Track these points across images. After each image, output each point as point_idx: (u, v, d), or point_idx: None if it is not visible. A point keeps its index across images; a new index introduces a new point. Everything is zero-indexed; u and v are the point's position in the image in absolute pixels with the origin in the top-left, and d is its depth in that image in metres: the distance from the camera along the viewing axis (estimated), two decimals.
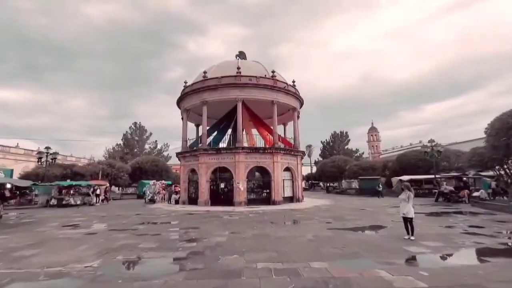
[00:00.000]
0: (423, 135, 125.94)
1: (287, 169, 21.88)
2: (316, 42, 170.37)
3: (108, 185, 27.94)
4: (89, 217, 14.32)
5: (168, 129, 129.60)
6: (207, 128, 24.21)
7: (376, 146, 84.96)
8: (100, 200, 24.11)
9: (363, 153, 63.71)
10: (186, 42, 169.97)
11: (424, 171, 31.20)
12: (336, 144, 63.16)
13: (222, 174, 20.61)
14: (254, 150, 20.01)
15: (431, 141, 26.36)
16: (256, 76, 20.60)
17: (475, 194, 18.92)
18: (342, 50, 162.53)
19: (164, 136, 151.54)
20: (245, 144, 22.79)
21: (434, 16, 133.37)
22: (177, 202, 22.42)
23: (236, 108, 21.33)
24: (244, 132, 23.95)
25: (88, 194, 23.61)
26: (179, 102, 23.58)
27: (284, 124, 27.48)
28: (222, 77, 20.61)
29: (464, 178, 24.10)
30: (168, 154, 57.35)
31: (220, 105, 22.53)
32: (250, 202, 19.55)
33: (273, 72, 21.48)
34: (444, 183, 28.28)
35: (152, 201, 24.15)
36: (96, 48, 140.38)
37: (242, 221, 12.06)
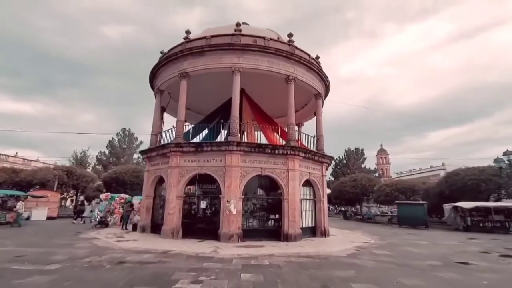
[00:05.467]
0: (428, 161, 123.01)
1: (308, 183, 14.10)
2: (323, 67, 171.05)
3: (48, 196, 20.20)
4: None
5: None
6: (192, 126, 16.99)
7: (386, 169, 77.98)
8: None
9: (383, 173, 55.53)
10: None
11: (485, 196, 23.12)
12: (350, 162, 55.14)
13: (204, 186, 12.90)
14: (257, 148, 12.35)
15: (508, 153, 18.52)
16: (263, 37, 13.42)
17: None
18: (348, 75, 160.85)
19: None
20: (244, 139, 15.25)
21: (439, 45, 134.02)
22: (135, 227, 14.57)
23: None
24: (245, 128, 16.50)
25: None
26: (152, 79, 16.38)
27: (299, 125, 19.94)
28: (212, 36, 13.48)
29: None
30: None
31: (211, 89, 15.31)
32: (247, 234, 11.69)
33: (290, 36, 14.31)
34: None
35: (103, 224, 16.31)
36: (110, 67, 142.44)
37: None
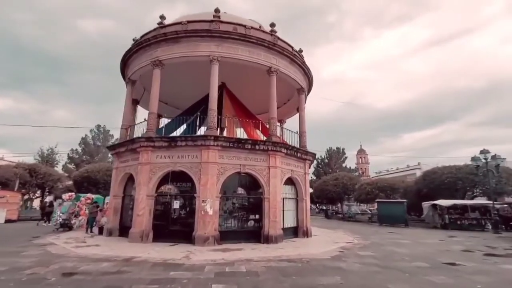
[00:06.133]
0: (403, 161, 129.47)
1: (290, 181, 13.42)
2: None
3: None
4: None
5: None
6: (167, 121, 15.88)
7: (366, 168, 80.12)
8: None
9: (363, 172, 56.46)
10: None
11: (461, 194, 23.68)
12: (332, 161, 55.56)
13: (178, 185, 11.85)
14: (236, 143, 11.46)
15: (484, 151, 18.86)
16: (244, 25, 12.55)
17: None
18: (329, 77, 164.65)
19: None
20: (224, 133, 14.33)
21: (414, 50, 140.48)
22: (101, 230, 13.22)
23: (217, 92, 13.29)
24: (225, 124, 15.54)
25: None
26: (123, 68, 15.03)
27: (282, 122, 19.22)
28: (188, 21, 12.41)
29: None
30: None
31: (190, 82, 14.29)
32: (225, 236, 10.79)
33: (272, 25, 13.54)
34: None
35: (67, 227, 14.78)
36: (89, 63, 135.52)
37: None
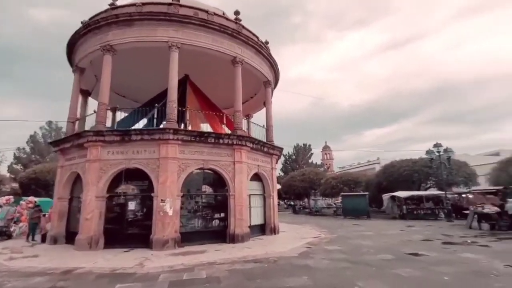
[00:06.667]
0: (364, 157, 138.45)
1: (257, 177, 12.94)
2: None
3: None
4: None
5: None
6: (125, 116, 14.57)
7: (330, 164, 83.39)
8: None
9: (328, 168, 58.36)
10: None
11: (417, 186, 25.27)
12: (299, 157, 56.65)
13: (134, 184, 10.72)
14: (198, 137, 10.60)
15: (438, 145, 20.16)
16: (206, 11, 11.68)
17: None
18: (296, 77, 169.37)
19: None
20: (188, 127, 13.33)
21: (373, 53, 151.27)
22: (45, 238, 11.56)
23: (180, 83, 12.31)
24: (189, 119, 14.51)
25: None
26: (70, 54, 13.27)
27: (249, 116, 18.63)
28: (144, 3, 11.20)
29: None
30: None
31: (151, 73, 13.09)
32: (187, 238, 9.97)
33: (236, 13, 12.83)
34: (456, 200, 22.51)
35: (5, 235, 12.74)
36: (42, 55, 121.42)
37: None
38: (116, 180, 10.39)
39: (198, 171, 10.99)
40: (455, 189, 25.23)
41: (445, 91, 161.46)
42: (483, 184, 25.52)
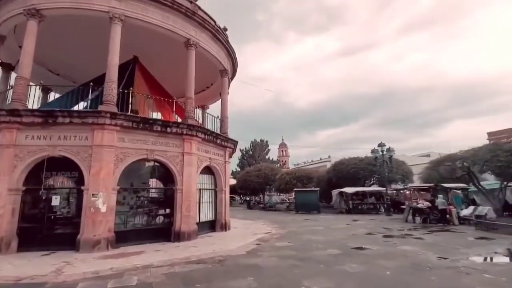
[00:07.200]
0: (317, 155, 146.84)
1: (208, 170, 12.18)
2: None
3: None
4: None
5: None
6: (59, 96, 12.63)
7: (286, 161, 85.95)
8: None
9: (283, 164, 59.81)
10: None
11: (362, 182, 27.01)
12: (256, 153, 56.95)
13: (58, 175, 9.15)
14: (142, 124, 9.43)
15: (381, 144, 21.65)
16: None
17: (466, 212, 13.85)
18: (256, 74, 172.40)
19: None
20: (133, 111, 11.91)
21: (328, 57, 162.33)
22: None
23: (128, 66, 11.00)
24: (138, 106, 12.98)
25: None
26: None
27: (204, 108, 17.63)
28: None
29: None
30: None
31: (91, 50, 11.42)
32: (125, 238, 8.84)
33: None
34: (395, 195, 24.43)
35: None
36: None
37: None
38: (37, 171, 8.72)
39: (149, 163, 9.92)
40: (394, 186, 27.59)
41: (386, 98, 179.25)
42: (417, 182, 28.38)
